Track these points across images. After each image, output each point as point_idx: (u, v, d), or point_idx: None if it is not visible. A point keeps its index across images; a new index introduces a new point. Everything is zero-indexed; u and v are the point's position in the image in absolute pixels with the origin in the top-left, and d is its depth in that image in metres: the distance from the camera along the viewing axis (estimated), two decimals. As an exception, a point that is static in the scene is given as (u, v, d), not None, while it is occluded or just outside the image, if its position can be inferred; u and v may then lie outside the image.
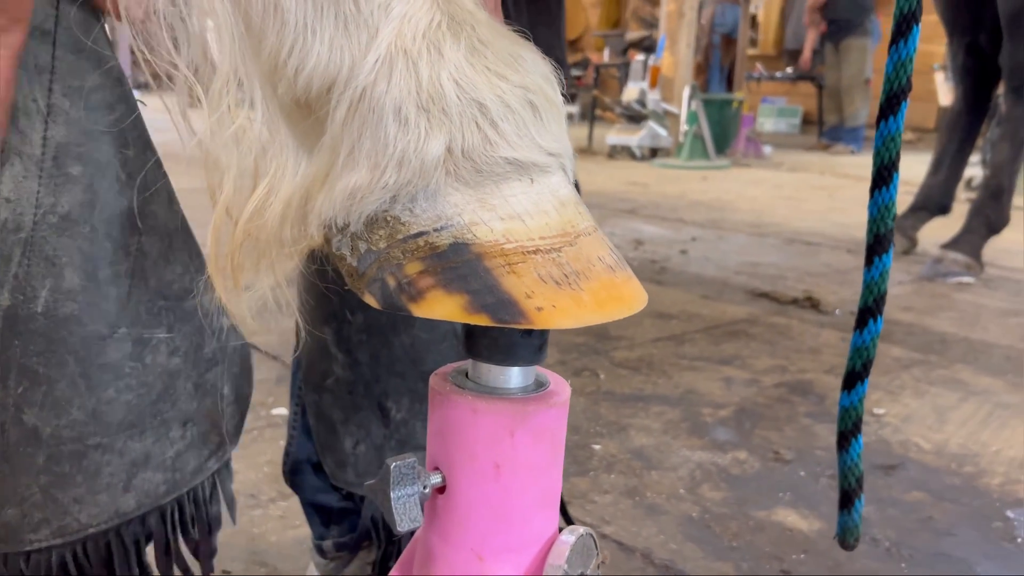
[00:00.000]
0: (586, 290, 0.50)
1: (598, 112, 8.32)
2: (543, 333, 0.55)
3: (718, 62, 9.93)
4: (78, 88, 0.58)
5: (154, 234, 0.63)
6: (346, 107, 0.49)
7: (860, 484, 0.88)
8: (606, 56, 9.84)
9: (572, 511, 1.28)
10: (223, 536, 1.23)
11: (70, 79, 0.57)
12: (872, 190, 0.79)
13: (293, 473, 0.97)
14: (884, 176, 0.78)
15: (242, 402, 0.72)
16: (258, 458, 1.43)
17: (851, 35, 7.89)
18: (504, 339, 0.54)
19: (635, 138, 6.83)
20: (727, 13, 9.60)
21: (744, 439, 1.58)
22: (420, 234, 0.49)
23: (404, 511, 0.55)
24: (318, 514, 0.98)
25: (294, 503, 1.27)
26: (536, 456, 0.57)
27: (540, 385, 0.58)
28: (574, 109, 9.10)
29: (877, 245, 0.80)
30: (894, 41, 0.74)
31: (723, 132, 7.14)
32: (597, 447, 1.52)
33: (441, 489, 0.57)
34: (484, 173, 0.49)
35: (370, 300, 0.51)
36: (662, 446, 1.53)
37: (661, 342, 2.15)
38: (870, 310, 0.82)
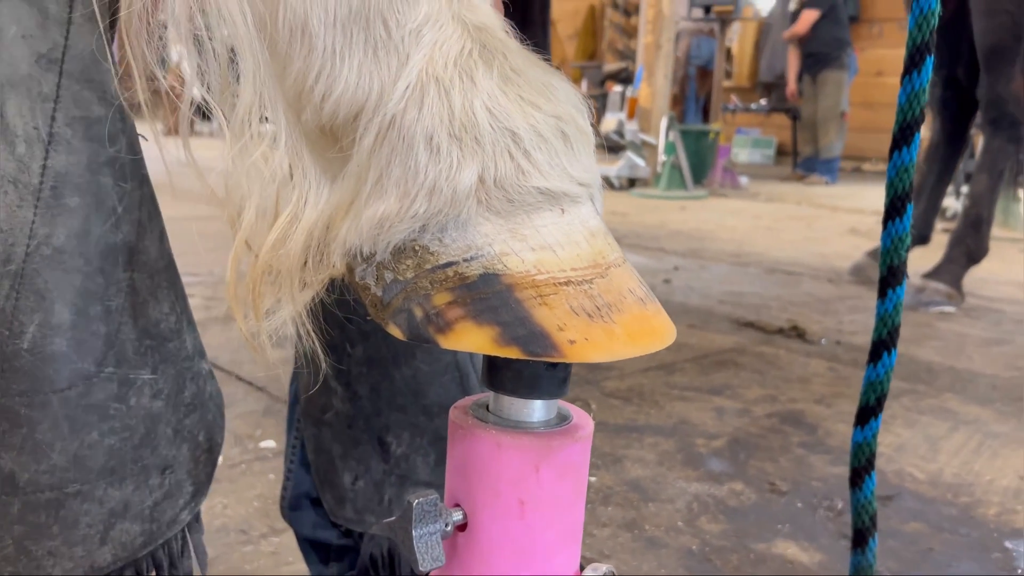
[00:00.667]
0: (618, 323, 0.49)
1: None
2: (567, 366, 0.54)
3: (694, 93, 10.05)
4: (82, 118, 0.56)
5: (144, 271, 0.61)
6: (374, 134, 0.47)
7: (874, 522, 0.85)
8: (584, 87, 9.92)
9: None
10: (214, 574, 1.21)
11: (74, 109, 0.55)
12: (885, 221, 0.78)
13: (292, 508, 0.94)
14: (897, 207, 0.77)
15: (215, 451, 0.69)
16: (247, 492, 1.40)
17: (828, 68, 8.04)
18: (529, 372, 0.53)
19: (613, 168, 6.88)
20: (703, 45, 9.73)
21: (739, 470, 1.57)
22: (449, 264, 0.48)
23: (426, 550, 0.53)
24: (316, 551, 0.95)
25: (286, 539, 1.24)
26: (560, 492, 0.55)
27: (563, 419, 0.56)
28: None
29: (891, 277, 0.79)
30: (907, 72, 0.74)
31: (700, 162, 7.21)
32: (593, 479, 1.50)
33: (462, 527, 0.56)
34: (516, 203, 0.48)
35: (394, 331, 0.50)
36: (658, 477, 1.52)
37: (651, 372, 2.14)
38: (884, 343, 0.81)
